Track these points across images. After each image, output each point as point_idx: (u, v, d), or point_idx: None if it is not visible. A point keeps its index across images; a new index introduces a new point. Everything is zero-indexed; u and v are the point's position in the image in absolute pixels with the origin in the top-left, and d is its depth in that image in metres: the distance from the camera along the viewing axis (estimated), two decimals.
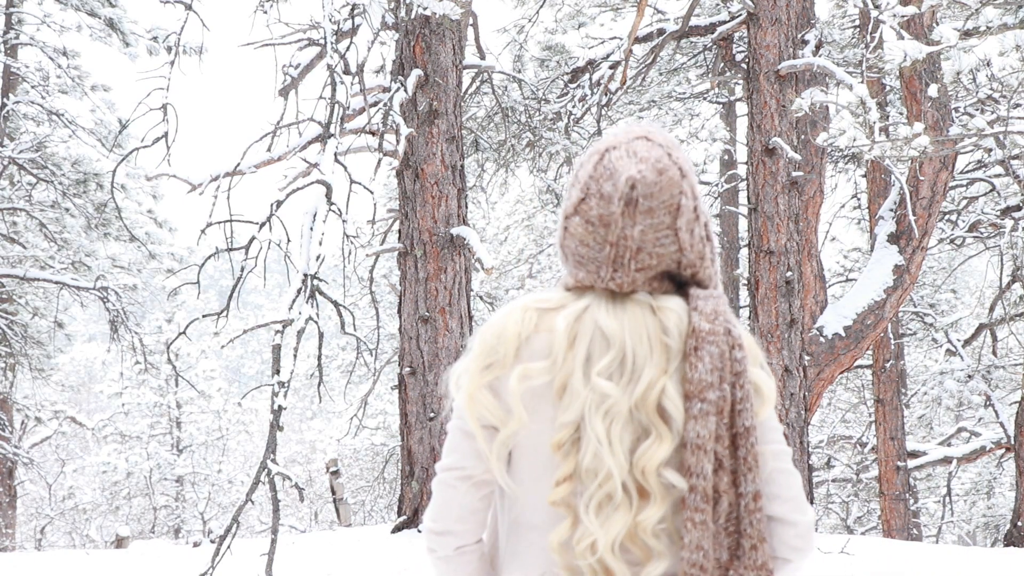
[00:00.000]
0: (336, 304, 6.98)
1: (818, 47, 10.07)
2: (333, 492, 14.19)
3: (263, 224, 6.79)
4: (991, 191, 13.21)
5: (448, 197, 9.74)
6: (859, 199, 16.21)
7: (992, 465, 19.09)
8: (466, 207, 9.96)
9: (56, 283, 14.29)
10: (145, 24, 13.52)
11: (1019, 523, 11.54)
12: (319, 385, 7.59)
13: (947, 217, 13.84)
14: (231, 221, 7.39)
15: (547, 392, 1.59)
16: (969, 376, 15.50)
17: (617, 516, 1.54)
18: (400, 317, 9.93)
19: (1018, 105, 10.14)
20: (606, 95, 11.07)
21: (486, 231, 19.39)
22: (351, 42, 8.19)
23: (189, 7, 8.23)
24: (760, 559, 1.55)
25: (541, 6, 12.95)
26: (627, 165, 1.56)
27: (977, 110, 11.89)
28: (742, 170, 17.24)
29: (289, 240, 7.03)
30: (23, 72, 14.64)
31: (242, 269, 6.95)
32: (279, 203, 6.82)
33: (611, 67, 11.09)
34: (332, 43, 7.16)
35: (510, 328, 1.61)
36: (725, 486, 1.55)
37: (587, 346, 1.58)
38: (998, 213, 12.79)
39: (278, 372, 6.19)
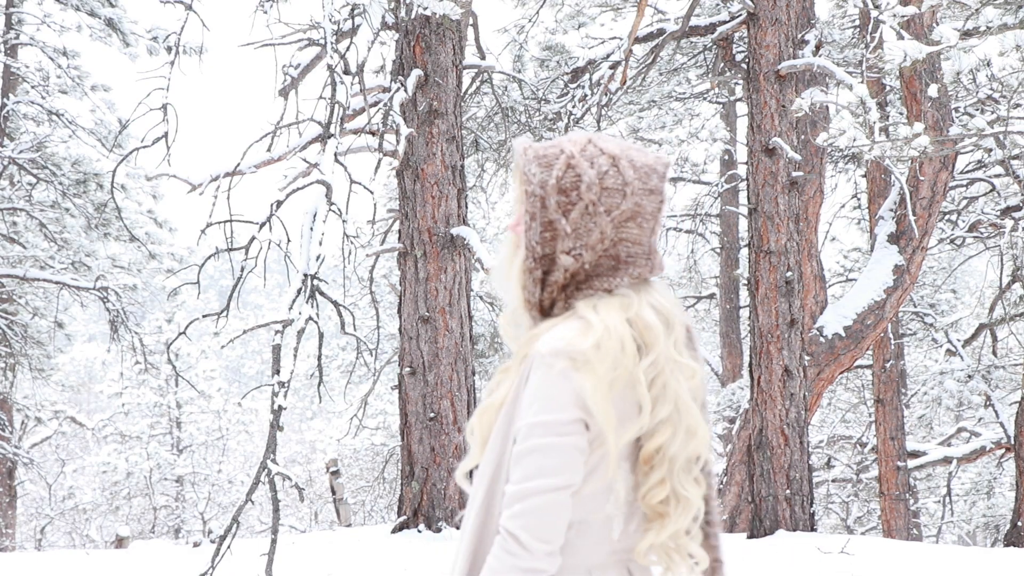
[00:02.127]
0: (336, 304, 6.99)
1: (818, 47, 10.07)
2: (333, 492, 14.19)
3: (263, 224, 6.80)
4: (991, 191, 13.20)
5: (448, 197, 9.74)
6: (859, 199, 16.20)
7: (992, 465, 19.07)
8: (466, 207, 9.96)
9: (56, 283, 14.29)
10: (145, 24, 13.54)
11: (1019, 523, 11.54)
12: (319, 385, 7.59)
13: (947, 217, 13.84)
14: (231, 221, 7.39)
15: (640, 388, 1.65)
16: (969, 376, 15.49)
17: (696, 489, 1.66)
18: (400, 317, 9.93)
19: (1018, 105, 10.14)
20: (606, 95, 11.07)
21: (486, 231, 19.36)
22: (351, 42, 8.19)
23: (189, 7, 8.23)
24: None
25: (541, 6, 12.95)
26: (647, 155, 1.67)
27: (977, 110, 11.89)
28: (742, 170, 17.23)
29: (289, 240, 7.04)
30: (23, 72, 14.64)
31: (242, 269, 6.95)
32: (279, 203, 6.83)
33: (611, 67, 11.09)
34: (332, 43, 7.16)
35: (627, 338, 1.61)
36: None
37: (664, 331, 1.66)
38: (998, 213, 12.79)
39: (278, 372, 6.19)
